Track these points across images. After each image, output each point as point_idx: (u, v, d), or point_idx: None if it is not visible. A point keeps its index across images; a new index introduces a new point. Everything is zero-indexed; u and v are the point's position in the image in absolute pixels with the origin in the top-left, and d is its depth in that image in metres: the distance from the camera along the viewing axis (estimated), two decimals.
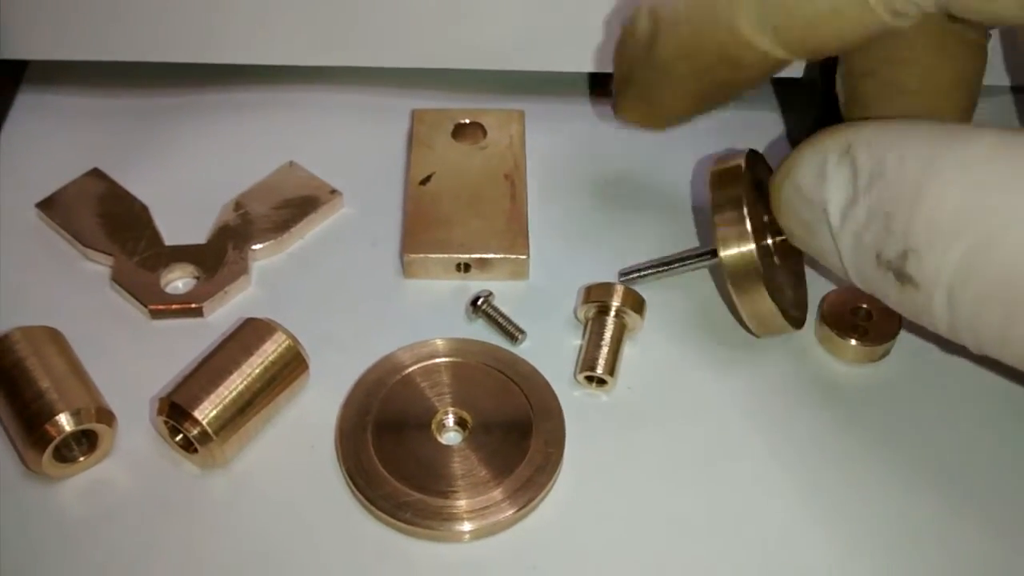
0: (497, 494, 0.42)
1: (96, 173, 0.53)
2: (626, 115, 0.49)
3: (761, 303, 0.45)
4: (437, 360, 0.46)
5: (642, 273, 0.50)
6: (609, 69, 0.50)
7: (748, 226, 0.45)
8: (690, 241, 0.52)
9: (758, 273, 0.45)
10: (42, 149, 0.56)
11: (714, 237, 0.45)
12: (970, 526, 0.42)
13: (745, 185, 0.45)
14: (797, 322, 0.47)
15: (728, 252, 0.45)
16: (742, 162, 0.46)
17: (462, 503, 0.42)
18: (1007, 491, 0.43)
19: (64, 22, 0.55)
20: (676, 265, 0.49)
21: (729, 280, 0.45)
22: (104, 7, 0.54)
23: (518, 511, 0.42)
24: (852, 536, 0.42)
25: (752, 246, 0.44)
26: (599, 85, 0.59)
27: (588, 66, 0.56)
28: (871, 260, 0.39)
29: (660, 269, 0.50)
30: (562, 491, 0.43)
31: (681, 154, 0.56)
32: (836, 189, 0.40)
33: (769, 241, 0.46)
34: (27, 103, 0.58)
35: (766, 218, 0.46)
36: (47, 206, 0.52)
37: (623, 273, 0.50)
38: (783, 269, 0.47)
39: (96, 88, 0.59)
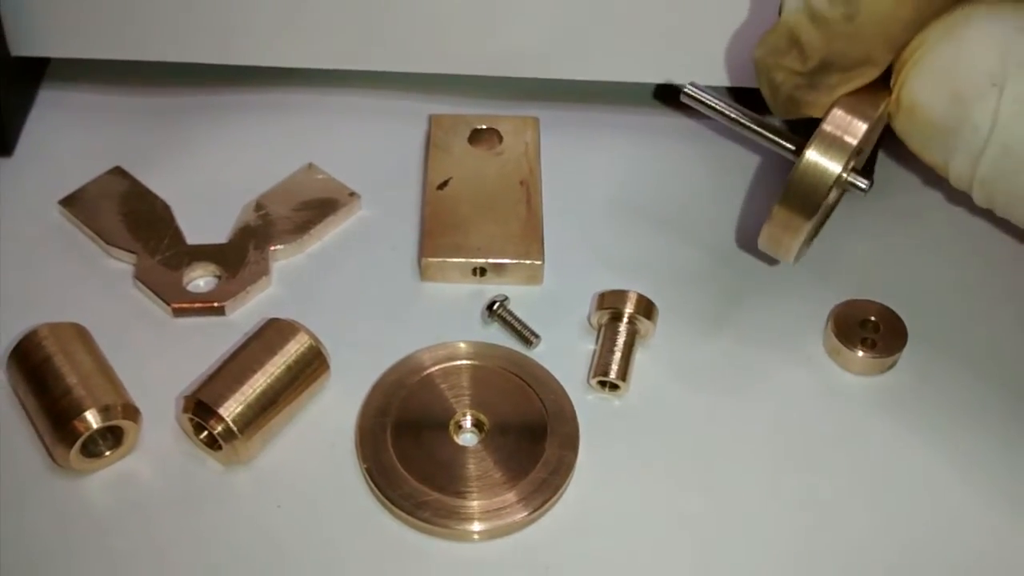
0: (511, 496, 0.43)
1: (118, 171, 0.54)
2: (821, 107, 0.45)
3: (796, 226, 0.44)
4: (457, 362, 0.47)
5: (708, 102, 0.48)
6: (628, 78, 0.51)
7: (856, 143, 0.42)
8: (707, 246, 0.53)
9: (822, 199, 0.43)
10: (63, 146, 0.56)
11: (817, 132, 0.43)
12: (976, 533, 0.44)
13: (879, 111, 0.43)
14: (795, 258, 0.47)
15: (814, 158, 0.43)
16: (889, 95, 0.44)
17: (478, 504, 0.43)
18: (1012, 499, 0.45)
19: (86, 20, 0.56)
20: (746, 122, 0.47)
21: (790, 185, 0.43)
22: (126, 6, 0.55)
23: (532, 513, 0.43)
24: (858, 543, 0.43)
25: (839, 168, 0.42)
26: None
27: (604, 75, 0.57)
28: None
29: (728, 113, 0.48)
30: (575, 494, 0.44)
31: (694, 160, 0.57)
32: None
33: (845, 175, 0.44)
34: (49, 100, 0.58)
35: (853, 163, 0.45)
36: (70, 203, 0.53)
37: (693, 85, 0.48)
38: (825, 211, 0.46)
39: (117, 86, 0.59)
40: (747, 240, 0.54)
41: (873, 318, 0.49)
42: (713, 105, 0.48)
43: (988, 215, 0.55)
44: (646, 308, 0.48)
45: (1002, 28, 0.41)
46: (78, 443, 0.42)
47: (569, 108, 0.59)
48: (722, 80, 0.56)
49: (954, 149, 0.43)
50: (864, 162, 0.49)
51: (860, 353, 0.48)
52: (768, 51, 0.46)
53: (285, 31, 0.56)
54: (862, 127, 0.43)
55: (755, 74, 0.47)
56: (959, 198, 0.56)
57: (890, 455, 0.46)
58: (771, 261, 0.52)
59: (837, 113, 0.44)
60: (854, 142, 0.43)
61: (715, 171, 0.57)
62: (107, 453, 0.44)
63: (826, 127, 0.44)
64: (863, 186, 0.45)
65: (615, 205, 0.55)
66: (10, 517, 0.42)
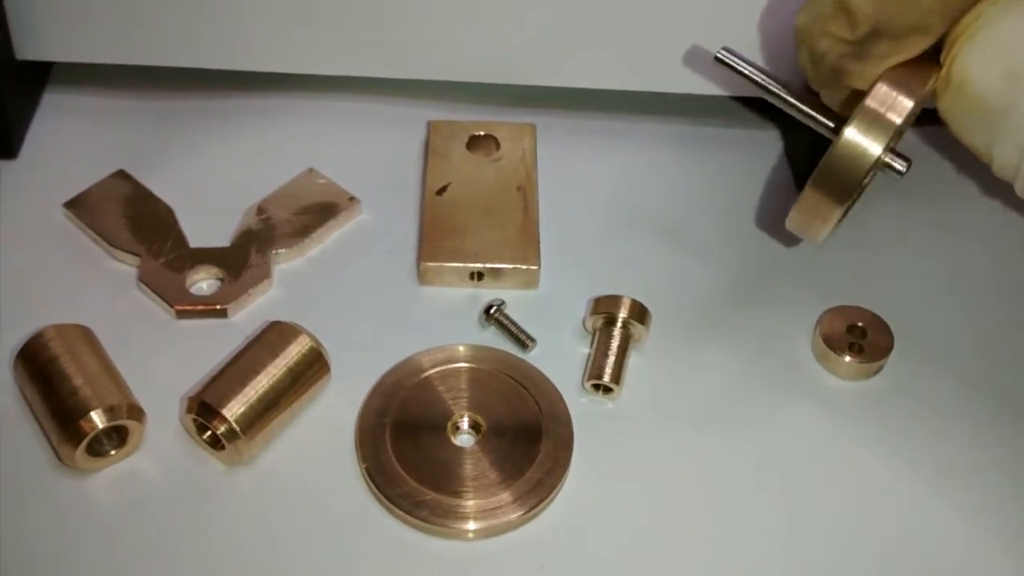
0: (507, 496, 0.44)
1: (121, 174, 0.55)
2: (870, 76, 0.42)
3: (827, 209, 0.42)
4: (454, 365, 0.48)
5: (743, 68, 0.45)
6: (628, 86, 0.51)
7: (900, 121, 0.40)
8: (700, 253, 0.54)
9: (859, 181, 0.40)
10: (67, 149, 0.57)
11: (860, 108, 0.40)
12: (961, 534, 0.45)
13: (927, 88, 0.40)
14: (823, 241, 0.45)
15: (854, 137, 0.40)
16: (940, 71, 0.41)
17: (474, 503, 0.44)
18: (997, 501, 0.46)
19: (90, 25, 0.57)
20: (782, 92, 0.45)
21: (826, 164, 0.41)
22: (131, 11, 0.56)
23: (527, 513, 0.44)
24: (843, 540, 0.44)
25: (880, 149, 0.40)
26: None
27: (599, 82, 0.58)
28: None
29: (764, 80, 0.45)
30: (569, 494, 0.45)
31: (688, 167, 0.58)
32: None
33: (884, 157, 0.42)
34: (53, 104, 0.59)
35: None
36: (74, 206, 0.53)
37: (726, 49, 0.46)
38: (859, 194, 0.44)
39: (120, 90, 0.60)
40: (739, 247, 0.55)
41: (860, 324, 0.50)
42: (746, 72, 0.46)
43: (974, 219, 0.56)
44: (640, 313, 0.49)
45: None
46: (84, 442, 0.43)
47: (566, 115, 0.60)
48: (722, 90, 0.57)
49: (1002, 133, 0.40)
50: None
51: (847, 358, 0.49)
52: (813, 18, 0.43)
53: (287, 37, 0.57)
54: (908, 104, 0.41)
55: (795, 44, 0.44)
56: (945, 204, 0.57)
57: (876, 458, 0.47)
58: (762, 266, 0.54)
59: (882, 88, 0.41)
60: (898, 121, 0.41)
61: (709, 178, 0.58)
62: (112, 452, 0.45)
63: (869, 103, 0.41)
64: (900, 168, 0.43)
65: (610, 211, 0.56)
66: (16, 514, 0.43)
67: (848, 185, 0.41)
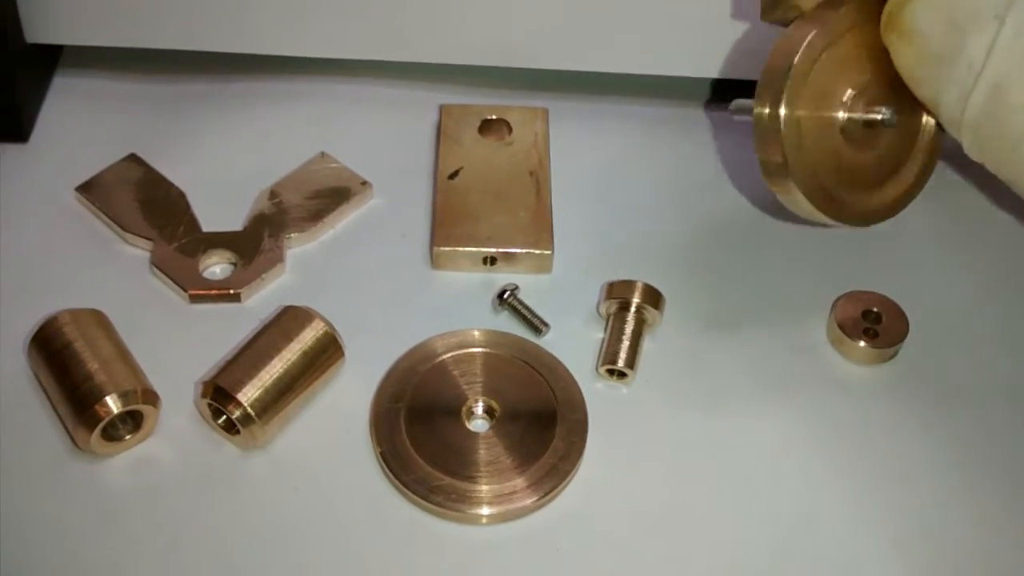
0: (521, 481, 0.44)
1: (133, 158, 0.55)
2: None
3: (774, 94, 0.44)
4: (469, 350, 0.48)
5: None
6: (641, 70, 0.51)
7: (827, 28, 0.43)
8: (714, 237, 0.54)
9: (787, 70, 0.44)
10: (78, 133, 0.57)
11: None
12: (974, 518, 0.45)
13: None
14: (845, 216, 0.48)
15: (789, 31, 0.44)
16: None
17: (488, 488, 0.44)
18: (1012, 485, 0.46)
19: (101, 8, 0.56)
20: None
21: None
22: None
23: (541, 498, 0.44)
24: (859, 525, 0.44)
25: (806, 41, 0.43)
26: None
27: (612, 66, 0.58)
28: None
29: None
30: (583, 480, 0.45)
31: (702, 151, 0.58)
32: None
33: (842, 115, 0.45)
34: (63, 87, 0.59)
35: (851, 91, 0.45)
36: (87, 190, 0.53)
37: (739, 100, 0.49)
38: (861, 152, 0.46)
39: (131, 74, 0.60)
40: (754, 232, 0.54)
41: (875, 309, 0.50)
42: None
43: (986, 207, 0.56)
44: (654, 298, 0.49)
45: None
46: (99, 427, 0.43)
47: (578, 99, 0.60)
48: (733, 72, 0.57)
49: (946, 83, 0.41)
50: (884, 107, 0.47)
51: (862, 343, 0.49)
52: None
53: (299, 20, 0.57)
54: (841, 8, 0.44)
55: None
56: (962, 190, 0.57)
57: (891, 443, 0.47)
58: (778, 251, 0.53)
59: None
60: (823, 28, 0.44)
61: (725, 162, 0.58)
62: (127, 437, 0.45)
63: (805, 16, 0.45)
64: (880, 116, 0.45)
65: (624, 196, 0.56)
66: (33, 498, 0.43)
67: (777, 83, 0.44)
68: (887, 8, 0.42)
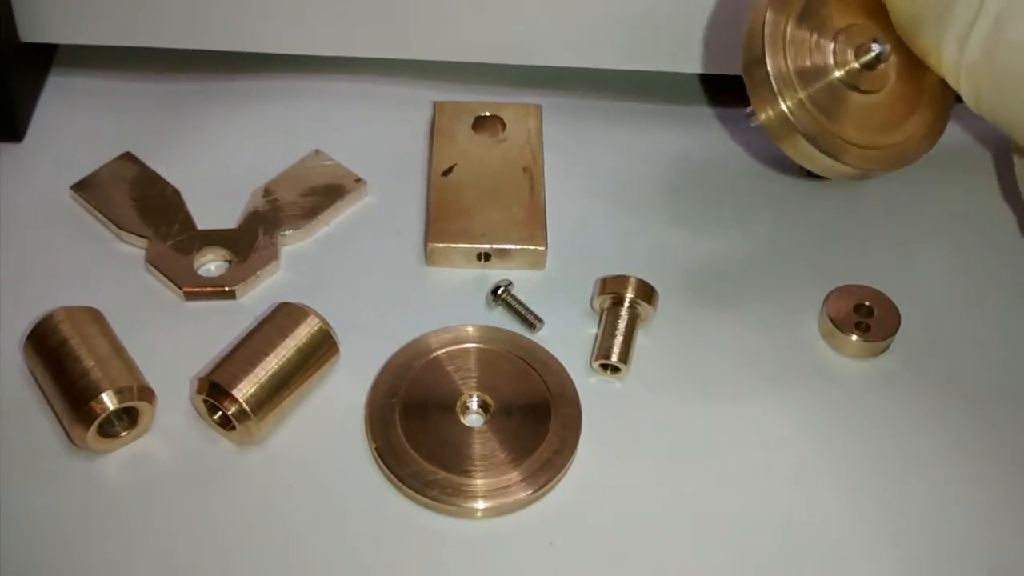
0: (515, 475, 0.44)
1: (128, 157, 0.55)
2: None
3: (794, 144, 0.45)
4: (463, 345, 0.48)
5: None
6: (634, 66, 0.51)
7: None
8: (706, 232, 0.54)
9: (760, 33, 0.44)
10: (73, 132, 0.57)
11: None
12: (966, 511, 0.45)
13: None
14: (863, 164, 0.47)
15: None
16: None
17: (483, 482, 0.44)
18: (1004, 478, 0.46)
19: (95, 7, 0.56)
20: None
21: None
22: None
23: (535, 492, 0.44)
24: (853, 518, 0.45)
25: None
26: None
27: (605, 62, 0.58)
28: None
29: None
30: (577, 473, 0.46)
31: (695, 147, 0.58)
32: None
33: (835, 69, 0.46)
34: (58, 86, 0.59)
35: (835, 42, 0.46)
36: (82, 188, 0.53)
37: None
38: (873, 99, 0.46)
39: (125, 72, 0.60)
40: (747, 227, 0.55)
41: (867, 303, 0.50)
42: None
43: (980, 202, 0.56)
44: (647, 293, 0.49)
45: None
46: (95, 424, 0.43)
47: (572, 96, 0.60)
48: (726, 68, 0.57)
49: (946, 25, 0.40)
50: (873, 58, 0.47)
51: (854, 337, 0.49)
52: None
53: (293, 19, 0.57)
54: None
55: None
56: (952, 185, 0.57)
57: (883, 436, 0.47)
58: (770, 246, 0.54)
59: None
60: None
61: (717, 158, 0.58)
62: (123, 434, 0.45)
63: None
64: (875, 50, 0.45)
65: (617, 192, 0.56)
66: (29, 495, 0.44)
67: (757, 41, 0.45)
68: None
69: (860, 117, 0.46)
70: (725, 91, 0.60)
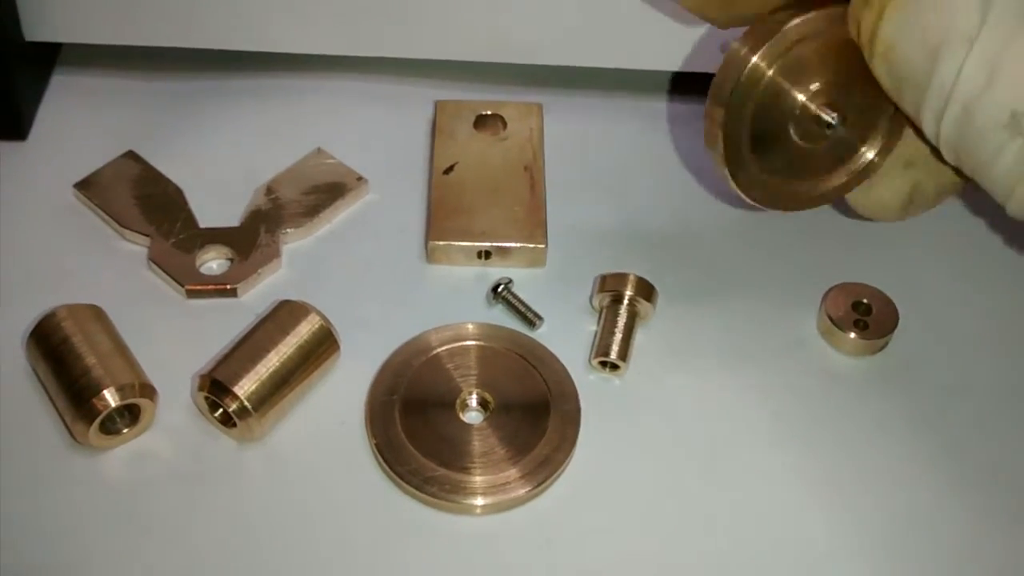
0: (515, 472, 0.45)
1: (131, 155, 0.55)
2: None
3: (714, 127, 0.45)
4: (463, 343, 0.49)
5: None
6: (631, 65, 0.51)
7: (786, 33, 0.43)
8: (705, 231, 0.54)
9: (733, 82, 0.44)
10: (76, 130, 0.58)
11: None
12: (962, 509, 0.45)
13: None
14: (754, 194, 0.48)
15: (737, 45, 0.44)
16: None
17: (482, 479, 0.44)
18: (997, 477, 0.46)
19: (99, 6, 0.57)
20: None
21: (716, 78, 0.45)
22: None
23: (534, 488, 0.44)
24: (847, 516, 0.45)
25: (757, 58, 0.43)
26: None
27: (606, 62, 0.58)
28: (997, 118, 0.37)
29: None
30: (576, 470, 0.46)
31: (693, 146, 0.58)
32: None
33: (800, 96, 0.45)
34: (61, 85, 0.60)
35: (817, 84, 0.45)
36: (85, 187, 0.54)
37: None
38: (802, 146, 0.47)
39: (129, 71, 0.60)
40: (746, 225, 0.55)
41: (865, 301, 0.50)
42: None
43: (979, 203, 0.56)
44: (646, 290, 0.50)
45: None
46: (97, 421, 0.44)
47: (572, 95, 0.61)
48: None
49: (923, 102, 0.41)
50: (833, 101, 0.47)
51: (852, 335, 0.49)
52: None
53: (295, 18, 0.57)
54: (795, 20, 0.44)
55: None
56: None
57: (881, 434, 0.47)
58: (769, 244, 0.54)
59: (777, 14, 0.44)
60: (784, 29, 0.43)
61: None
62: (125, 430, 0.45)
63: (758, 22, 0.44)
64: (829, 119, 0.45)
65: (616, 190, 0.56)
66: (31, 492, 0.44)
67: (723, 91, 0.44)
68: (864, 25, 0.42)
69: (788, 161, 0.47)
70: None
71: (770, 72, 0.45)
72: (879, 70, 0.42)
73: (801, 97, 0.46)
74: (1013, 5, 0.38)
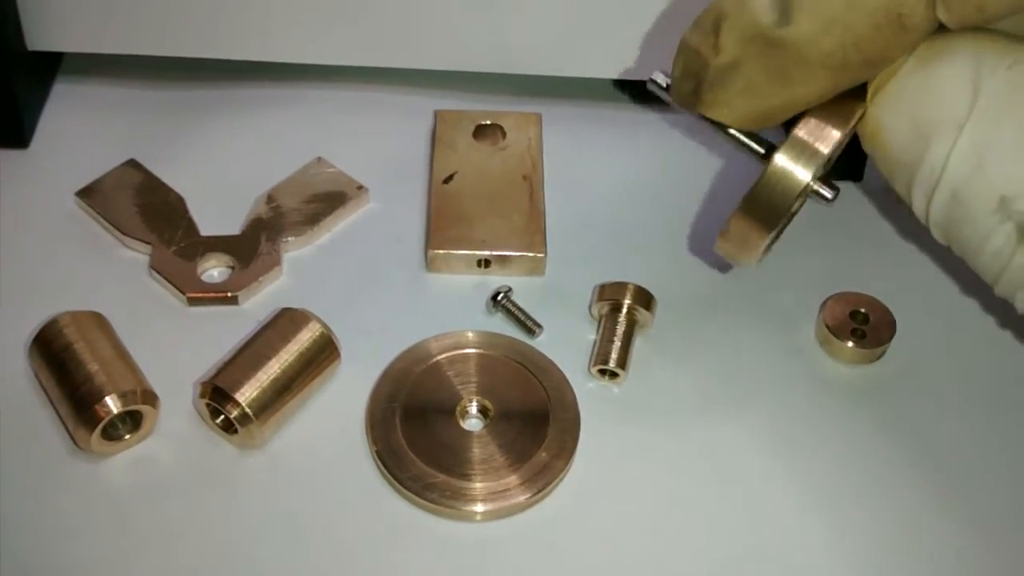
0: (514, 478, 0.45)
1: (132, 164, 0.56)
2: (719, 111, 0.44)
3: (755, 238, 0.42)
4: (463, 351, 0.49)
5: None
6: (631, 76, 0.51)
7: (828, 152, 0.40)
8: (704, 240, 0.55)
9: (787, 208, 0.41)
10: (78, 139, 0.58)
11: (788, 134, 0.41)
12: (960, 519, 0.45)
13: (852, 122, 0.41)
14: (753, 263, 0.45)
15: (784, 165, 0.41)
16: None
17: (482, 486, 0.45)
18: (995, 486, 0.46)
19: (101, 16, 0.57)
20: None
21: (756, 191, 0.42)
22: (140, 2, 0.56)
23: (533, 495, 0.45)
24: (845, 524, 0.45)
25: (809, 176, 0.41)
26: (626, 91, 0.61)
27: (605, 72, 0.59)
28: (986, 203, 0.37)
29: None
30: (575, 477, 0.46)
31: (692, 155, 0.59)
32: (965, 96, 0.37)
33: (813, 184, 0.42)
34: (63, 94, 0.60)
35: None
36: (87, 195, 0.54)
37: (663, 73, 0.45)
38: (787, 221, 0.46)
39: (130, 80, 0.61)
40: None
41: (863, 310, 0.51)
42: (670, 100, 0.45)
43: None
44: (645, 299, 0.50)
45: (978, 69, 0.38)
46: (99, 427, 0.44)
47: (571, 104, 0.61)
48: None
49: (913, 184, 0.41)
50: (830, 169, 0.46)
51: (850, 343, 0.50)
52: (694, 33, 0.42)
53: (295, 27, 0.57)
54: (835, 135, 0.41)
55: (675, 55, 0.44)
56: None
57: (879, 443, 0.47)
58: (768, 257, 0.54)
59: (811, 120, 0.42)
60: (826, 151, 0.41)
61: (715, 166, 0.58)
62: (126, 437, 0.45)
63: (799, 132, 0.42)
64: (828, 196, 0.43)
65: (615, 199, 0.57)
66: (33, 498, 0.44)
67: (777, 211, 0.42)
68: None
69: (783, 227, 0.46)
70: None
71: (813, 183, 0.43)
72: (870, 151, 0.42)
73: (812, 183, 0.43)
74: (1001, 91, 0.38)
